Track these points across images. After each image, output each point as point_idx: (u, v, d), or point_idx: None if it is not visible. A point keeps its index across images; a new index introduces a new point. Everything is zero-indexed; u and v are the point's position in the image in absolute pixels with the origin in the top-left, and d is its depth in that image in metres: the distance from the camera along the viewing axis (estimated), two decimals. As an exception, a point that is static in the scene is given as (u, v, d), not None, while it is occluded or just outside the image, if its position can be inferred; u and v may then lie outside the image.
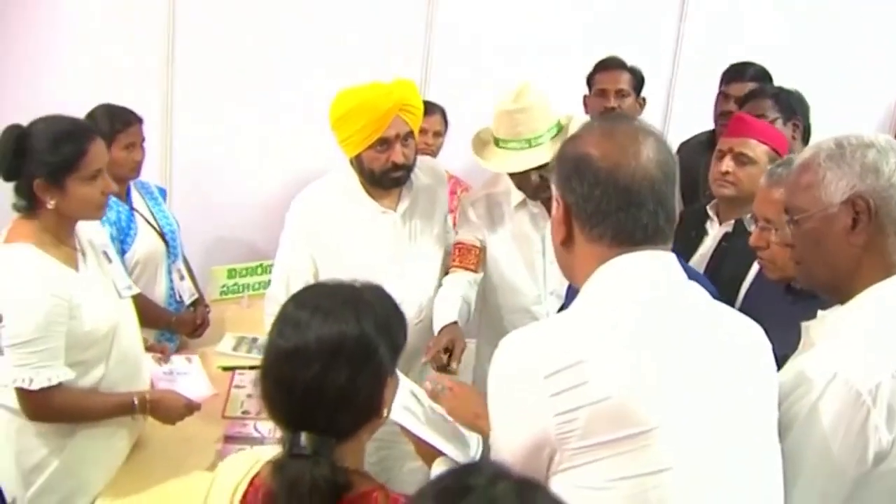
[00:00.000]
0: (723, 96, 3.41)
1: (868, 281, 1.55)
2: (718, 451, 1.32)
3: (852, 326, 1.51)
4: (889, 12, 4.26)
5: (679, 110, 4.11)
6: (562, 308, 2.55)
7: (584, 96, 3.49)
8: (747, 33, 4.05)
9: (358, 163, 2.54)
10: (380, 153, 2.49)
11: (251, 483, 1.46)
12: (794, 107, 2.94)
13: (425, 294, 2.69)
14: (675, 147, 3.52)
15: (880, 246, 1.53)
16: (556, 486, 1.29)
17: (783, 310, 1.49)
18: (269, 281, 3.53)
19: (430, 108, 3.53)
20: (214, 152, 3.74)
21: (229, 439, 2.55)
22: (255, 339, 3.20)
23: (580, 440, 1.24)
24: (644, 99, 3.46)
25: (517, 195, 2.70)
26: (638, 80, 3.42)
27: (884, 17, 4.24)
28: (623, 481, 1.26)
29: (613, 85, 3.36)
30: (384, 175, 2.52)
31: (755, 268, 2.31)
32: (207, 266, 3.54)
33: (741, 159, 2.58)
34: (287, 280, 2.62)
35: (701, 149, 3.40)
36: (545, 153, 2.48)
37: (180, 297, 3.03)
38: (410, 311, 2.63)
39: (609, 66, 3.41)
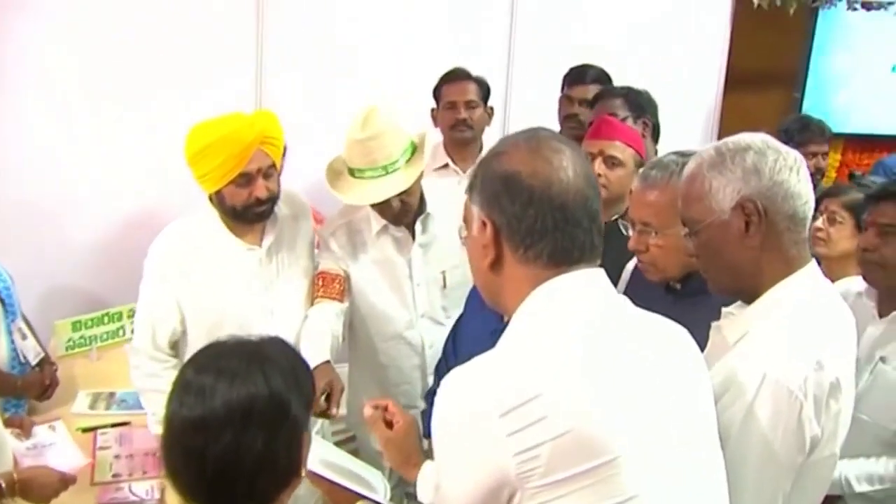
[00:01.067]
0: (566, 99, 3.50)
1: (771, 278, 1.61)
2: (677, 467, 1.32)
3: (769, 325, 1.56)
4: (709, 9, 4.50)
5: (516, 116, 4.16)
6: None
7: (432, 110, 3.46)
8: (574, 36, 4.16)
9: (218, 199, 2.42)
10: (241, 188, 2.38)
11: None
12: (643, 105, 3.05)
13: (296, 330, 2.58)
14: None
15: (776, 242, 1.59)
16: None
17: (664, 310, 1.51)
18: (119, 329, 3.39)
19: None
20: (42, 192, 3.42)
21: (106, 506, 2.37)
22: (112, 394, 3.01)
23: (542, 477, 1.19)
24: (492, 108, 3.47)
25: (378, 221, 2.65)
26: (485, 91, 3.43)
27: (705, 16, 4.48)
28: None
29: (462, 97, 3.35)
30: (246, 210, 2.42)
31: (629, 268, 2.36)
32: (48, 320, 3.26)
33: (611, 161, 2.62)
34: (153, 328, 2.50)
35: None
36: (403, 178, 2.46)
37: (24, 358, 2.77)
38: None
39: (455, 77, 3.40)
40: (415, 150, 2.54)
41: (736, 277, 1.63)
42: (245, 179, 2.37)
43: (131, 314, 3.34)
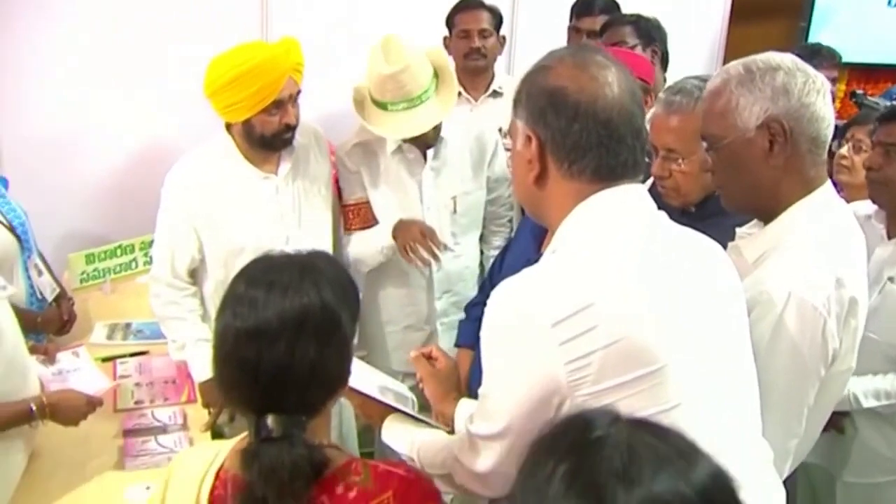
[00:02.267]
0: (574, 31, 3.48)
1: (790, 198, 1.64)
2: (715, 378, 1.36)
3: (791, 244, 1.59)
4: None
5: (522, 47, 4.12)
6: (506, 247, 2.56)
7: (445, 38, 3.42)
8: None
9: (246, 128, 2.43)
10: (272, 115, 2.40)
11: (217, 477, 1.38)
12: (651, 33, 3.04)
13: None
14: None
15: (797, 163, 1.62)
16: None
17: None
18: (131, 262, 3.41)
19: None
20: (53, 129, 3.42)
21: (129, 433, 2.42)
22: (128, 325, 3.05)
23: (592, 385, 1.23)
24: (504, 38, 3.44)
25: (392, 142, 2.68)
26: (497, 19, 3.39)
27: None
28: None
29: (476, 25, 3.31)
30: (276, 137, 2.44)
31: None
32: (61, 254, 3.29)
33: None
34: (171, 259, 2.54)
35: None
36: (439, 107, 2.51)
37: (41, 294, 2.79)
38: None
39: (469, 6, 3.35)
40: (437, 74, 2.57)
41: (754, 196, 1.66)
42: (277, 107, 2.39)
43: (144, 246, 3.40)
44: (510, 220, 3.04)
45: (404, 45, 2.49)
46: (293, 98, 2.41)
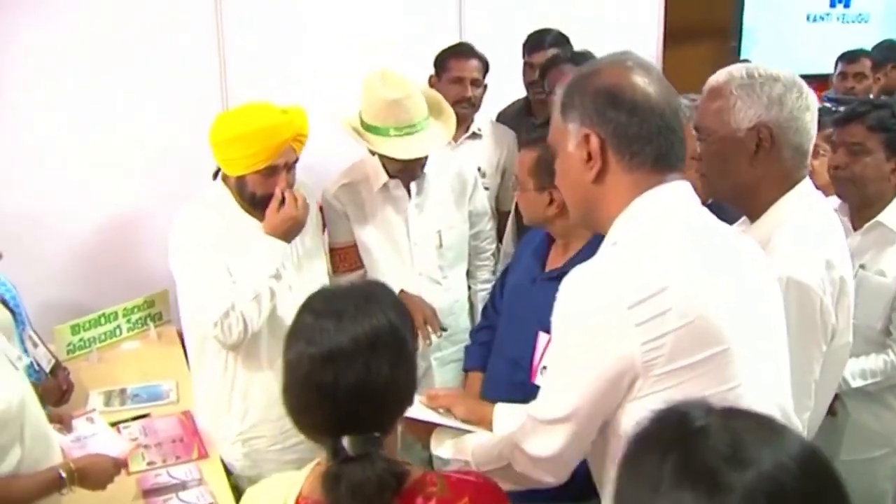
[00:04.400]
0: (528, 66, 3.64)
1: (769, 196, 1.80)
2: (764, 358, 1.47)
3: (782, 235, 1.74)
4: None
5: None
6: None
7: (431, 76, 3.49)
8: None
9: (239, 182, 2.49)
10: (265, 178, 2.46)
11: None
12: None
13: None
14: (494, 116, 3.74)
15: (778, 169, 1.78)
16: (631, 413, 1.37)
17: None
18: (115, 329, 3.43)
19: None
20: (29, 200, 3.42)
21: (150, 493, 2.43)
22: (123, 390, 3.06)
23: (665, 365, 1.32)
24: (486, 85, 3.49)
25: (378, 180, 2.78)
26: (486, 68, 3.44)
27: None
28: None
29: (469, 73, 3.37)
30: (264, 199, 2.49)
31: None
32: (40, 326, 3.27)
33: None
34: (214, 284, 2.45)
35: (519, 115, 3.69)
36: (440, 131, 2.66)
37: (39, 366, 2.80)
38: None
39: (463, 53, 3.42)
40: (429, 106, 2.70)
41: (734, 190, 1.82)
42: (271, 171, 2.45)
43: (126, 313, 3.46)
44: (493, 254, 3.16)
45: (400, 76, 2.62)
46: (289, 166, 2.48)
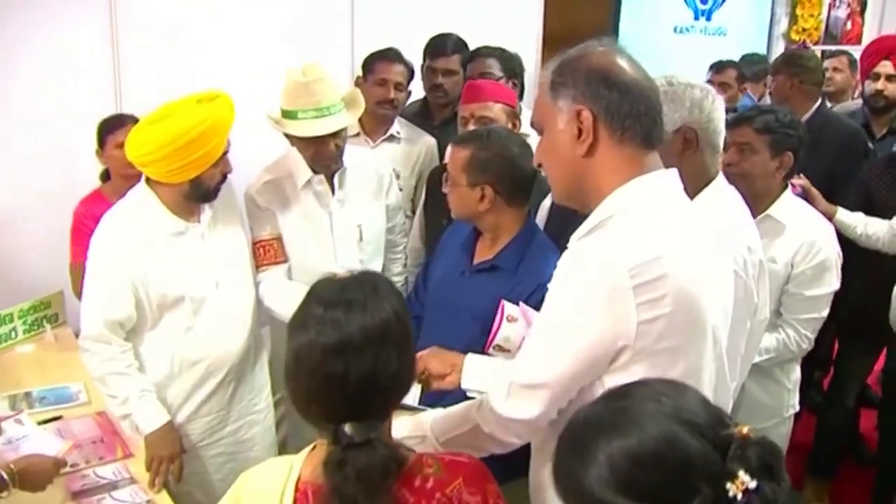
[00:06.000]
0: (430, 71, 3.73)
1: (690, 190, 1.97)
2: (727, 341, 1.64)
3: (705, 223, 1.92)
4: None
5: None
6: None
7: (358, 78, 3.57)
8: (411, 10, 4.42)
9: (195, 183, 2.49)
10: (216, 168, 2.49)
11: (297, 489, 1.47)
12: (514, 67, 3.37)
13: (246, 297, 2.74)
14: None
15: (698, 165, 1.98)
16: (607, 384, 1.49)
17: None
18: (11, 332, 3.33)
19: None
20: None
21: (80, 494, 2.38)
22: (28, 393, 2.95)
23: (653, 344, 1.45)
24: (410, 91, 3.61)
25: (303, 176, 2.84)
26: (411, 74, 3.54)
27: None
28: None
29: (394, 77, 3.45)
30: (217, 187, 2.54)
31: (546, 205, 2.69)
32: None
33: (483, 121, 2.89)
34: (106, 315, 2.52)
35: (417, 117, 3.79)
36: (346, 117, 2.70)
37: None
38: (235, 317, 2.67)
39: (390, 57, 3.48)
40: (345, 105, 2.77)
41: None
42: (222, 159, 2.49)
43: (22, 314, 3.36)
44: (405, 248, 3.28)
45: (319, 66, 2.69)
46: (228, 149, 2.52)
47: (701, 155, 1.97)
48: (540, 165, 1.70)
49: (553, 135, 1.60)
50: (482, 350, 2.14)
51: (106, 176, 3.40)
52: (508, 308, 2.11)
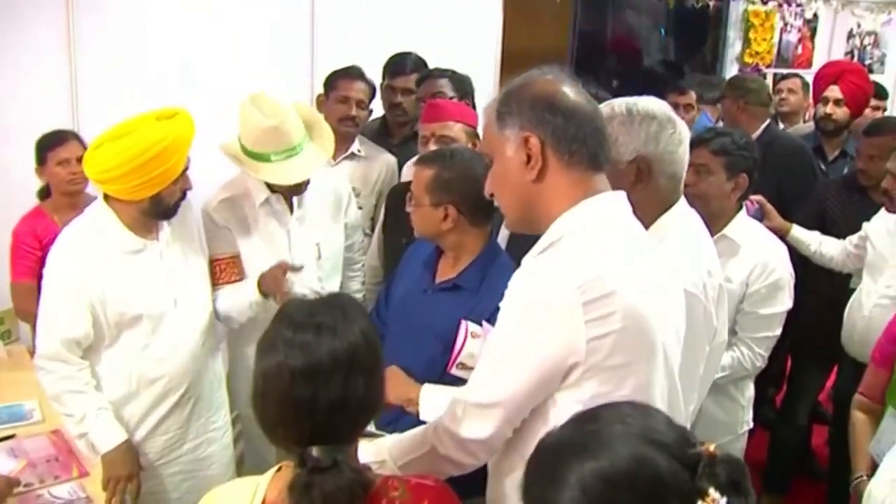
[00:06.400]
0: (389, 89, 3.75)
1: (647, 216, 1.96)
2: (683, 362, 1.68)
3: (667, 251, 1.89)
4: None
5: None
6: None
7: (319, 95, 3.59)
8: (374, 28, 4.43)
9: (154, 200, 2.47)
10: (176, 185, 2.48)
11: None
12: (466, 88, 3.40)
13: (204, 315, 2.72)
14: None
15: (655, 191, 2.00)
16: (559, 402, 1.53)
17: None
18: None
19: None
20: None
21: (34, 515, 2.36)
22: (-14, 411, 2.90)
23: (603, 361, 1.48)
24: (371, 109, 3.63)
25: (260, 195, 2.84)
26: (373, 92, 3.56)
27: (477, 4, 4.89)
28: (622, 399, 1.45)
29: (356, 94, 3.47)
30: (177, 204, 2.53)
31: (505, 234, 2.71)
32: None
33: (444, 140, 2.90)
34: (62, 334, 2.48)
35: (377, 135, 3.79)
36: (317, 153, 2.72)
37: None
38: (194, 335, 2.65)
39: (351, 75, 3.49)
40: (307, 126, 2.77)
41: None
42: (182, 176, 2.48)
43: (-21, 329, 3.27)
44: (363, 266, 3.28)
45: (274, 100, 2.67)
46: (188, 165, 2.51)
47: (656, 184, 1.99)
48: (492, 195, 1.72)
49: (502, 163, 1.64)
50: (444, 370, 2.15)
51: (45, 193, 3.38)
52: (472, 326, 2.13)
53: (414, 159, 3.06)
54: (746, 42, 6.37)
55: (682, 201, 2.09)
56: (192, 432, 2.72)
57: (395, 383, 2.04)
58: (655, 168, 1.96)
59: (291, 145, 2.65)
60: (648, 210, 1.98)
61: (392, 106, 3.75)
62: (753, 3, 6.25)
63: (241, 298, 2.79)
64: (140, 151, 2.34)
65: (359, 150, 3.57)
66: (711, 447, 1.07)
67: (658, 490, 1.03)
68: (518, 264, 1.67)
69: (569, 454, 1.08)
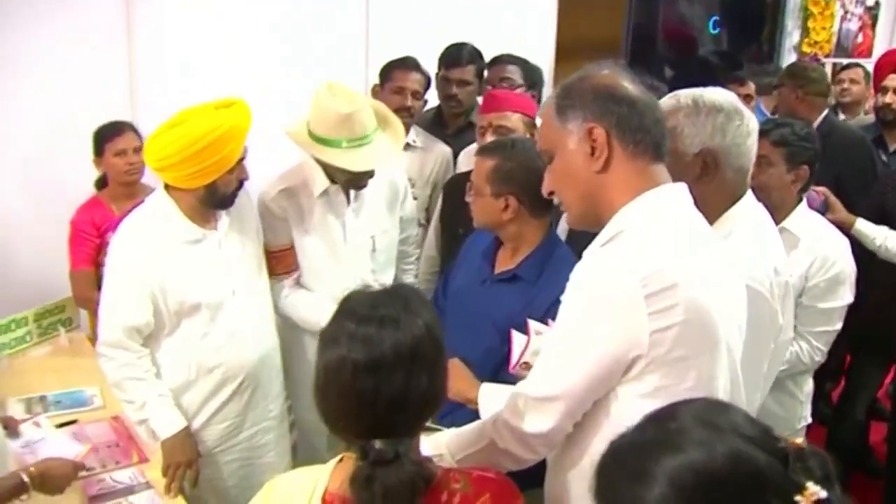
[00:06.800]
0: (445, 80, 3.73)
1: (714, 209, 1.94)
2: (747, 358, 1.65)
3: (732, 246, 1.86)
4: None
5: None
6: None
7: (375, 86, 3.60)
8: (425, 19, 4.41)
9: (210, 189, 2.50)
10: (232, 174, 2.50)
11: (323, 500, 1.46)
12: (535, 79, 3.38)
13: (262, 305, 2.75)
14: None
15: (721, 185, 1.94)
16: (620, 395, 1.52)
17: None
18: (26, 335, 3.33)
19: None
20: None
21: (97, 499, 2.39)
22: (43, 397, 2.96)
23: (666, 354, 1.46)
24: (427, 100, 3.65)
25: (319, 185, 2.85)
26: (427, 83, 3.58)
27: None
28: (685, 392, 1.46)
29: (411, 85, 3.48)
30: (233, 194, 2.55)
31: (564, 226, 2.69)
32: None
33: (501, 131, 2.89)
34: (124, 322, 2.53)
35: (432, 125, 3.80)
36: (390, 141, 2.75)
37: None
38: (251, 324, 2.68)
39: (408, 65, 3.50)
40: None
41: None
42: (238, 165, 2.50)
43: (37, 317, 3.36)
44: (417, 259, 3.29)
45: (351, 89, 2.69)
46: (245, 155, 2.53)
47: (722, 177, 1.95)
48: (552, 193, 1.71)
49: (564, 157, 1.63)
50: (502, 359, 2.15)
51: (102, 183, 3.46)
52: (533, 324, 2.12)
53: (471, 148, 3.08)
54: (805, 31, 6.25)
55: (750, 194, 2.04)
56: (250, 420, 2.75)
57: (456, 378, 2.03)
58: (722, 161, 1.91)
59: (364, 134, 2.67)
60: (714, 203, 1.94)
61: (447, 97, 3.74)
62: (813, -9, 6.14)
63: (314, 316, 2.80)
64: (195, 139, 2.37)
65: (414, 141, 3.57)
66: (798, 440, 1.05)
67: (758, 485, 1.00)
68: (578, 257, 1.65)
69: (654, 451, 1.05)
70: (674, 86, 2.02)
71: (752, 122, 1.97)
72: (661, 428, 1.09)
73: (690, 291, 1.47)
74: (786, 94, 4.25)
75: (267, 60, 3.98)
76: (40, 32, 3.52)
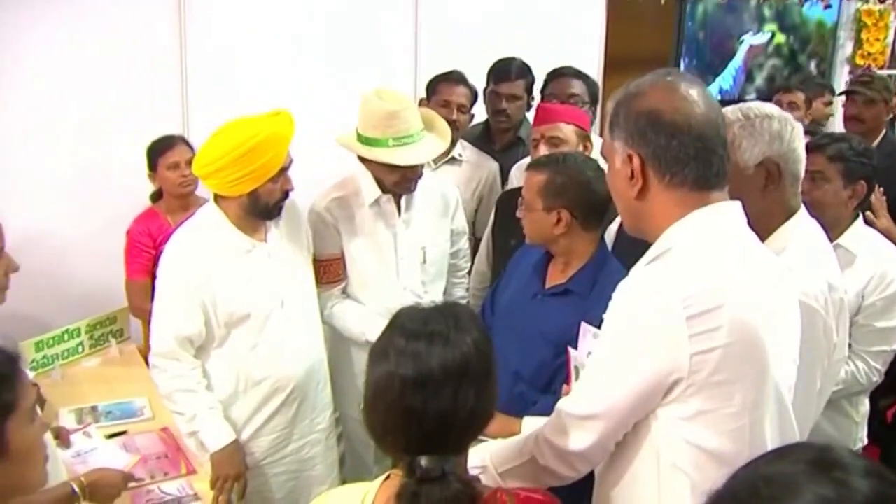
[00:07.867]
0: (494, 95, 3.71)
1: (771, 224, 1.93)
2: (801, 378, 1.61)
3: (787, 262, 1.82)
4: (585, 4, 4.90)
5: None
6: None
7: (422, 100, 3.61)
8: (472, 32, 4.44)
9: (252, 198, 2.51)
10: (275, 183, 2.51)
11: None
12: (595, 95, 3.37)
13: (310, 316, 2.76)
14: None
15: (782, 195, 1.93)
16: (661, 417, 1.49)
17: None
18: (78, 346, 3.36)
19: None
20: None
21: (146, 509, 2.42)
22: (94, 408, 2.99)
23: (708, 377, 1.42)
24: (473, 114, 3.66)
25: (370, 195, 2.86)
26: (474, 97, 3.59)
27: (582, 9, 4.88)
28: (729, 417, 1.45)
29: (457, 99, 3.50)
30: (277, 205, 2.56)
31: (613, 230, 2.67)
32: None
33: (553, 142, 2.87)
34: (176, 333, 2.56)
35: (479, 140, 3.78)
36: (437, 139, 2.77)
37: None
38: (299, 336, 2.68)
39: (454, 79, 3.53)
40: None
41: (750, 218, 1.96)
42: (280, 175, 2.51)
43: (89, 329, 3.41)
44: (468, 272, 3.28)
45: (396, 91, 2.73)
46: (289, 166, 2.54)
47: (783, 185, 1.92)
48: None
49: (613, 171, 1.63)
50: (554, 371, 2.14)
51: (157, 196, 3.52)
52: (590, 329, 2.10)
53: (523, 163, 3.07)
54: (858, 43, 6.14)
55: (803, 210, 2.01)
56: (297, 433, 2.76)
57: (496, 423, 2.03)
58: (783, 168, 1.89)
59: (410, 132, 2.69)
60: (773, 217, 1.93)
61: (496, 112, 3.72)
62: (867, 2, 6.02)
63: (359, 328, 2.85)
64: (236, 145, 2.39)
65: (460, 155, 3.58)
66: None
67: None
68: (625, 265, 1.63)
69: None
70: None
71: (798, 128, 1.95)
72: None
73: (737, 313, 1.44)
74: (880, 111, 4.20)
75: (316, 75, 4.03)
76: (95, 50, 3.60)
